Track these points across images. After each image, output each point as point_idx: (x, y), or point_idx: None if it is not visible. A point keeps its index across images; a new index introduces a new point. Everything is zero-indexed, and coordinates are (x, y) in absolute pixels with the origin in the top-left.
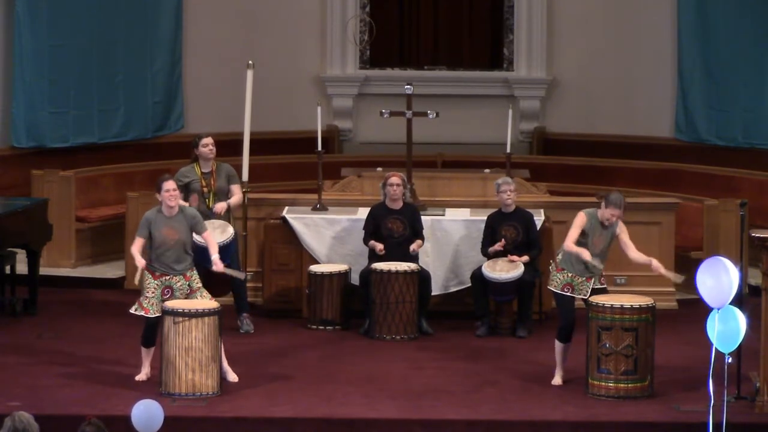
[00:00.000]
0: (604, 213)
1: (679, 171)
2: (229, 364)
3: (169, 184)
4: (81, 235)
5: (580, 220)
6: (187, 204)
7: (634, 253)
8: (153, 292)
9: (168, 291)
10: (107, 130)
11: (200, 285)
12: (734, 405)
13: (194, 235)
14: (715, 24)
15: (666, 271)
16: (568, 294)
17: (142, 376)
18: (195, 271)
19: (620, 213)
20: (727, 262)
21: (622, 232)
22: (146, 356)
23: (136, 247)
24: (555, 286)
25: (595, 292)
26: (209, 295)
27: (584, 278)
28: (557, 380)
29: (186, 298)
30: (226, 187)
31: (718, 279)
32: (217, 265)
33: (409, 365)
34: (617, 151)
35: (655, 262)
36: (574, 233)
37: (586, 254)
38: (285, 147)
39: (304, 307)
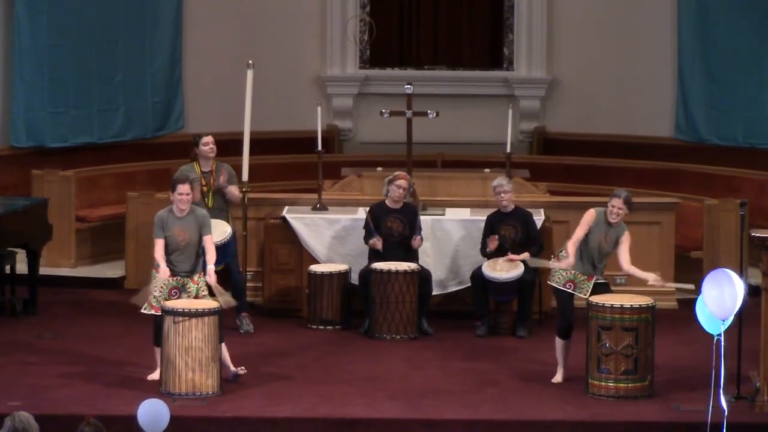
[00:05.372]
0: (609, 206)
1: (679, 171)
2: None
3: (184, 188)
4: (81, 235)
5: (588, 216)
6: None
7: (627, 265)
8: (161, 291)
9: (176, 291)
10: (107, 129)
11: (206, 293)
12: (734, 405)
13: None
14: (715, 24)
15: (669, 283)
16: (569, 291)
17: (155, 375)
18: (204, 278)
19: (620, 204)
20: (732, 274)
21: (625, 240)
22: (159, 356)
23: (160, 252)
24: (557, 282)
25: (597, 287)
26: (216, 304)
27: (586, 277)
28: (558, 378)
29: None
30: (226, 187)
31: (721, 291)
32: (211, 277)
33: (409, 365)
34: (617, 151)
35: (652, 277)
36: (579, 231)
37: (566, 263)
38: (285, 147)
39: (304, 307)
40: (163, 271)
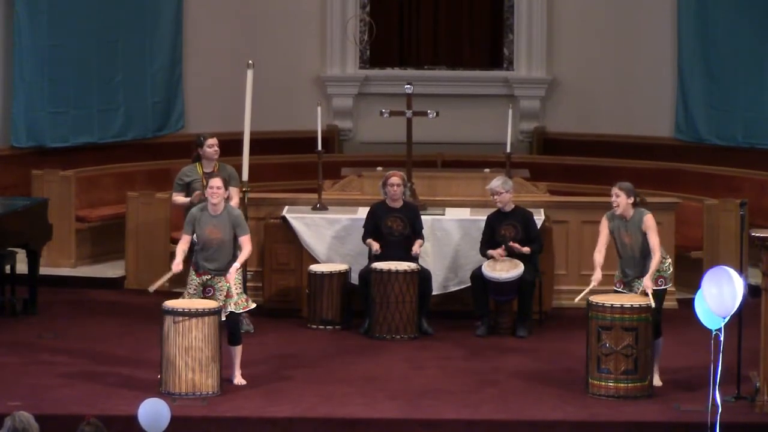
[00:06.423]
0: None
1: (679, 171)
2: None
3: (215, 182)
4: (81, 235)
5: (602, 223)
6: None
7: (654, 254)
8: (195, 289)
9: (210, 290)
10: (107, 130)
11: (240, 291)
12: (734, 405)
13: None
14: (715, 24)
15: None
16: (619, 290)
17: (239, 379)
18: (239, 275)
19: (615, 191)
20: (732, 272)
21: (648, 229)
22: (234, 354)
23: (182, 245)
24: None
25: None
26: (245, 303)
27: (636, 277)
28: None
29: (224, 299)
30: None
31: (720, 289)
32: (230, 275)
33: (409, 365)
34: (617, 151)
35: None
36: (600, 241)
37: (595, 279)
38: (285, 147)
39: (304, 307)
40: (176, 264)
